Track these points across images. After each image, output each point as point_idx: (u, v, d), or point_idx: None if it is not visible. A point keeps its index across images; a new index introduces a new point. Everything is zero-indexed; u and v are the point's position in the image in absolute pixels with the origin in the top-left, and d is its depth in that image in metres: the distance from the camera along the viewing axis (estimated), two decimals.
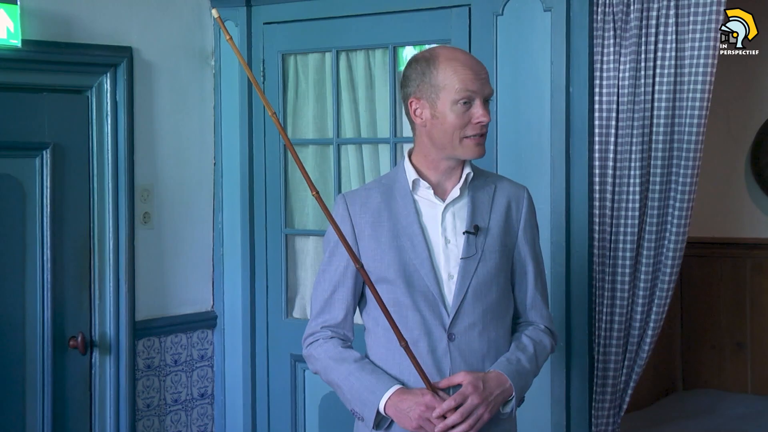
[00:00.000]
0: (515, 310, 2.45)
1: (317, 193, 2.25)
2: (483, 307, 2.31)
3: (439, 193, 2.35)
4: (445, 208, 2.34)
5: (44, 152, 3.37)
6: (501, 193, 2.40)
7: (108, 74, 3.51)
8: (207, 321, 3.90)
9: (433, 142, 2.31)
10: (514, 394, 2.27)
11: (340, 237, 2.26)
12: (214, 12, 2.39)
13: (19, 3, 3.17)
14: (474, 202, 2.35)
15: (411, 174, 2.34)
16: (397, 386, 2.25)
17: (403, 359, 2.27)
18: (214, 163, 3.93)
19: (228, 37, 2.31)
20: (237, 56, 2.37)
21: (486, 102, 2.30)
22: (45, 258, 3.38)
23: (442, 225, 2.33)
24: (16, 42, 3.18)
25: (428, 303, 2.30)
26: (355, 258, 2.26)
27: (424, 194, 2.34)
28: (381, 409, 2.24)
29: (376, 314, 2.35)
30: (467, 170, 2.35)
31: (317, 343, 2.40)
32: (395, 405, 2.22)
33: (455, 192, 2.33)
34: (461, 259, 2.30)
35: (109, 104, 3.52)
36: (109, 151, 3.52)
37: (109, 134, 3.52)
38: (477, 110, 2.27)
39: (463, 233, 2.31)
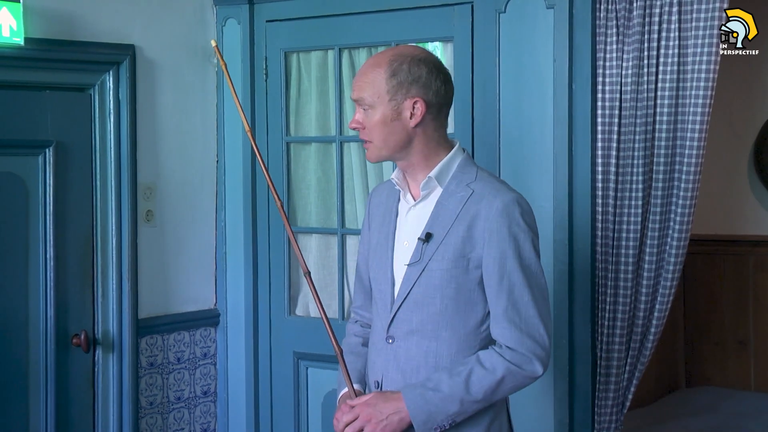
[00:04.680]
0: None
1: (281, 204, 2.43)
2: (423, 316, 2.28)
3: (413, 194, 2.37)
4: (410, 209, 2.35)
5: (47, 150, 3.37)
6: (474, 201, 2.26)
7: (111, 72, 3.51)
8: (210, 319, 3.91)
9: None
10: (410, 420, 2.21)
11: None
12: (212, 42, 2.59)
13: (21, 1, 3.17)
14: (439, 208, 2.30)
15: (394, 174, 2.40)
16: (346, 389, 2.40)
17: (373, 355, 2.40)
18: (217, 161, 3.93)
19: (222, 64, 2.51)
20: (230, 87, 2.53)
21: (362, 107, 2.30)
22: (48, 256, 3.38)
23: (405, 226, 2.35)
24: (19, 40, 3.18)
25: (382, 301, 2.36)
26: (303, 261, 2.42)
27: (402, 194, 2.38)
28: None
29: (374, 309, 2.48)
30: (430, 174, 2.30)
31: (348, 326, 2.61)
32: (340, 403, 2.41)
33: (420, 195, 2.34)
34: (406, 264, 2.30)
35: (111, 102, 3.52)
36: (112, 149, 3.52)
37: (112, 132, 3.52)
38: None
39: (417, 239, 2.30)
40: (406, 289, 2.29)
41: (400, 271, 2.32)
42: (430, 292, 2.26)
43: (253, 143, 2.47)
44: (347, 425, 2.26)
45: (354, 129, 2.34)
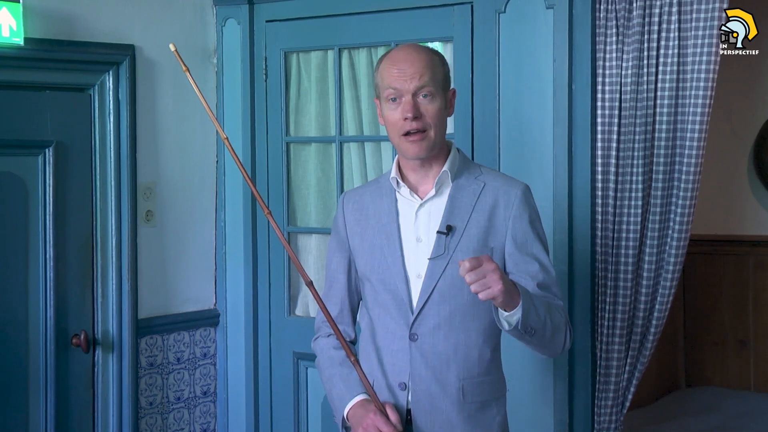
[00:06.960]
0: None
1: (269, 212, 2.38)
2: (450, 308, 2.28)
3: (419, 191, 2.36)
4: (420, 206, 2.34)
5: (47, 150, 3.37)
6: (489, 191, 2.32)
7: (110, 72, 3.51)
8: (210, 319, 3.91)
9: (391, 142, 2.35)
10: (520, 303, 2.09)
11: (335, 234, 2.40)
12: (171, 46, 2.54)
13: (21, 1, 3.18)
14: (453, 201, 2.31)
15: (393, 173, 2.37)
16: (360, 397, 2.31)
17: (372, 361, 2.35)
18: (217, 161, 3.93)
19: (184, 68, 2.49)
20: (195, 90, 2.51)
21: (419, 97, 2.25)
22: (48, 256, 3.38)
23: (415, 224, 2.33)
24: (19, 40, 3.18)
25: (396, 302, 2.32)
26: (303, 271, 2.34)
27: (404, 192, 2.36)
28: (345, 416, 2.34)
29: (366, 316, 2.43)
30: (444, 168, 2.32)
31: (318, 340, 2.51)
32: (353, 416, 2.31)
33: (431, 191, 2.33)
34: (429, 259, 2.29)
35: (111, 102, 3.52)
36: (112, 149, 3.52)
37: (112, 132, 3.52)
38: (404, 106, 2.25)
39: (437, 233, 2.29)
40: (431, 284, 2.27)
41: (416, 267, 2.30)
42: (457, 284, 2.25)
43: (229, 148, 2.45)
44: (470, 270, 2.05)
45: (410, 118, 2.24)
